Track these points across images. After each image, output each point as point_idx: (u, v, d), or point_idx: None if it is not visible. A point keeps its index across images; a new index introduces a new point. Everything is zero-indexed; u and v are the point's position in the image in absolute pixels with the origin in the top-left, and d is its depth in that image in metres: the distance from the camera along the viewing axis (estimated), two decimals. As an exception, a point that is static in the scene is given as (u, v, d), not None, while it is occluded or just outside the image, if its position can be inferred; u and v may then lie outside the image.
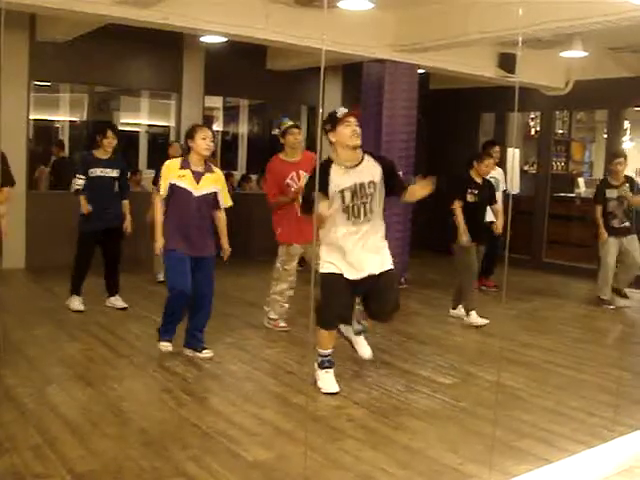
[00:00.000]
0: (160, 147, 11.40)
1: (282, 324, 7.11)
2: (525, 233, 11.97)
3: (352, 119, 5.08)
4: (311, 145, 12.46)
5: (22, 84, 9.44)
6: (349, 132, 5.05)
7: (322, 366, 5.34)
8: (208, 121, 12.04)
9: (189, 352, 6.08)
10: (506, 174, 10.27)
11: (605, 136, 12.15)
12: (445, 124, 12.63)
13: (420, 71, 10.03)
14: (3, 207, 6.04)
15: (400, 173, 8.89)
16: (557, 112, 12.70)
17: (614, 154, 9.33)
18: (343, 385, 5.44)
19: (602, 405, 5.37)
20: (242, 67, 10.97)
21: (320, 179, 5.00)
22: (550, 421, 4.91)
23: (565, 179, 13.78)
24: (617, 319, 8.76)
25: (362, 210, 5.15)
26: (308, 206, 5.24)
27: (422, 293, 9.27)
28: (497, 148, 9.30)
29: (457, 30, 8.37)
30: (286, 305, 7.09)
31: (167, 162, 5.92)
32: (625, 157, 8.99)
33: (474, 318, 7.52)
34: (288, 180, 6.85)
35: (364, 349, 5.75)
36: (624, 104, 10.84)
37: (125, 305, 7.63)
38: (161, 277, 8.66)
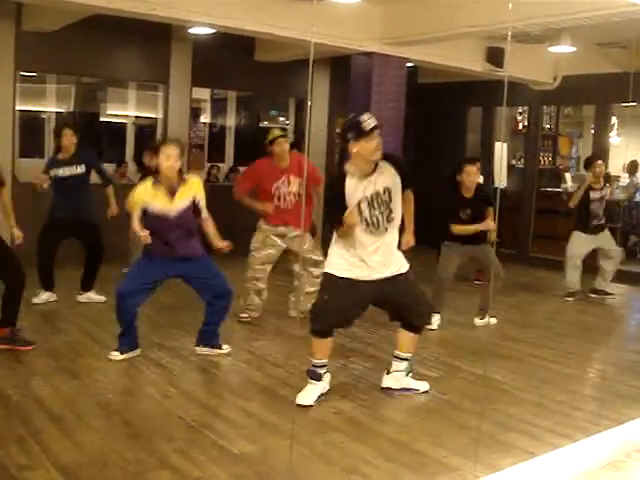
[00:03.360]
0: (147, 139, 11.36)
1: (243, 315, 7.08)
2: (512, 227, 12.01)
3: (377, 131, 4.79)
4: (300, 137, 12.48)
5: (8, 74, 9.37)
6: (374, 146, 4.75)
7: (310, 375, 4.99)
8: (196, 113, 12.01)
9: (205, 350, 5.97)
10: (493, 169, 10.30)
11: (592, 131, 12.18)
12: (433, 118, 12.64)
13: (408, 64, 10.02)
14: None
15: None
16: (545, 107, 12.72)
17: (594, 156, 9.46)
18: (330, 378, 5.44)
19: (587, 399, 5.40)
20: (230, 59, 10.93)
21: (336, 198, 4.83)
22: (535, 415, 4.92)
23: (552, 174, 13.82)
24: (602, 313, 8.81)
25: (380, 220, 4.87)
26: (340, 225, 4.79)
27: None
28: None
29: (446, 24, 8.37)
30: (255, 297, 7.02)
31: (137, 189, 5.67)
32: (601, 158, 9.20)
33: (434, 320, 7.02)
34: (278, 183, 6.87)
35: (423, 384, 5.35)
36: (611, 100, 10.88)
37: (103, 298, 7.51)
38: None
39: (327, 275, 4.96)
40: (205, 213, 5.74)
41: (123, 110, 11.37)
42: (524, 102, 12.48)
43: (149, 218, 5.51)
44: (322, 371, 5.00)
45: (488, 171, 11.46)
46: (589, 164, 9.07)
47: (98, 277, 7.69)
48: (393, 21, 9.02)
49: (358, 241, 4.84)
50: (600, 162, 9.02)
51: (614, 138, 12.84)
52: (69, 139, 7.30)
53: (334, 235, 4.93)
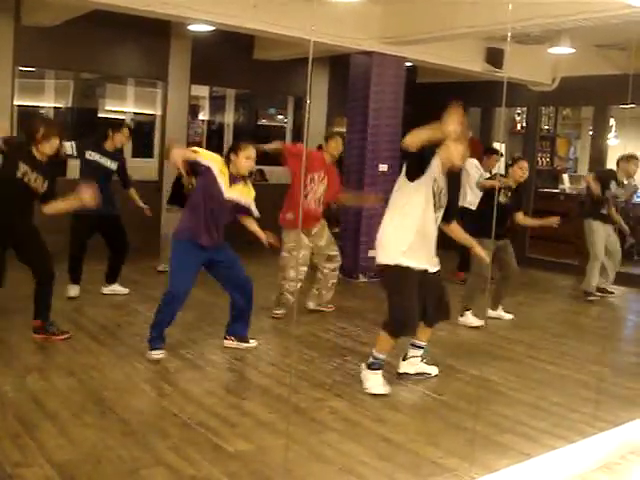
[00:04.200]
0: (146, 135, 11.34)
1: (276, 311, 7.21)
2: (509, 228, 11.98)
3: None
4: (297, 136, 12.48)
5: (6, 69, 9.36)
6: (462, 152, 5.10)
7: (372, 367, 5.20)
8: (194, 110, 11.99)
9: (232, 343, 6.09)
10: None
11: (590, 133, 12.18)
12: (431, 118, 12.59)
13: (407, 64, 10.02)
14: None
15: (386, 167, 8.96)
16: (543, 108, 12.73)
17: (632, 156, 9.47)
18: (325, 377, 5.45)
19: (583, 401, 5.40)
20: (229, 56, 10.93)
21: (425, 160, 5.01)
22: (531, 416, 4.93)
23: (550, 175, 13.83)
24: (599, 315, 8.81)
25: (440, 202, 5.10)
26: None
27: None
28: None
29: (445, 24, 8.36)
30: (289, 296, 7.16)
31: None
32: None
33: (468, 318, 7.43)
34: (314, 175, 7.12)
35: (433, 369, 5.71)
36: (610, 101, 10.87)
37: (127, 290, 7.82)
38: (161, 267, 8.91)
39: (395, 268, 5.05)
40: (256, 213, 5.99)
41: (121, 106, 11.34)
42: (523, 103, 12.48)
43: (207, 192, 5.67)
44: (382, 361, 5.24)
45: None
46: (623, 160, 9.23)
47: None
48: (392, 20, 9.02)
49: (429, 220, 5.05)
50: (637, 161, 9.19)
51: (612, 140, 12.83)
52: (123, 138, 7.64)
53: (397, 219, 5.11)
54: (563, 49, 9.52)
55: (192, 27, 9.50)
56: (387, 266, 5.11)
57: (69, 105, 11.04)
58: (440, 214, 5.15)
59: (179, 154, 5.60)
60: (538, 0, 6.86)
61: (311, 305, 7.57)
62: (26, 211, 5.89)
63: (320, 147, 7.60)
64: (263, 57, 11.17)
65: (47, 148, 5.77)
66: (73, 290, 7.49)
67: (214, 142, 12.33)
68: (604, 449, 4.38)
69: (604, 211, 9.09)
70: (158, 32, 10.11)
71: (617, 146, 13.28)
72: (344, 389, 5.23)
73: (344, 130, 10.26)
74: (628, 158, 9.22)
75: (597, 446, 4.38)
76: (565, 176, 13.63)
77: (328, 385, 5.28)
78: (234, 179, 5.76)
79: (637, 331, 8.50)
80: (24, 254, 5.91)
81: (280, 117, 13.45)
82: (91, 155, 7.43)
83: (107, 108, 11.51)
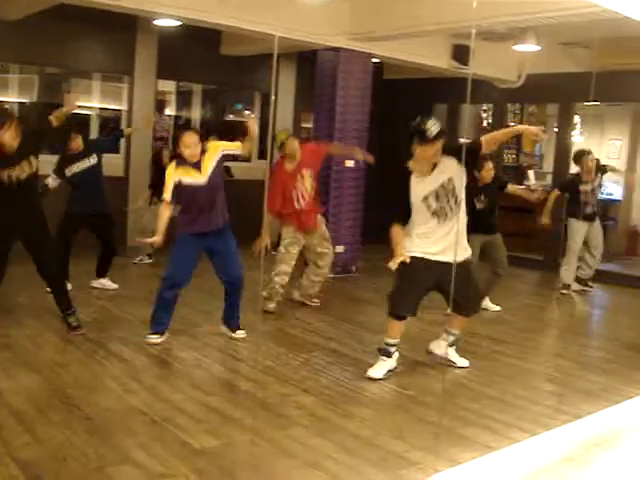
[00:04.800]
0: (111, 131, 11.25)
1: (270, 305, 7.32)
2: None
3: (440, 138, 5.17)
4: (264, 132, 12.44)
5: (-30, 64, 9.24)
6: (433, 152, 5.21)
7: (382, 352, 5.49)
8: (161, 105, 11.93)
9: (224, 329, 6.35)
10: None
11: (556, 130, 12.30)
12: (398, 114, 12.65)
13: (374, 61, 10.05)
14: None
15: (352, 163, 8.98)
16: (509, 105, 12.83)
17: (586, 152, 9.66)
18: (292, 373, 5.46)
19: (547, 394, 5.47)
20: (196, 51, 10.88)
21: (401, 195, 5.30)
22: (496, 410, 4.98)
23: (516, 171, 13.95)
24: (564, 310, 8.92)
25: (448, 209, 5.26)
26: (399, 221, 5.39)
27: (373, 282, 9.29)
28: None
29: (412, 20, 8.40)
30: (280, 290, 7.33)
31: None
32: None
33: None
34: (296, 184, 7.26)
35: (461, 361, 5.94)
36: (574, 99, 10.98)
37: (116, 286, 7.91)
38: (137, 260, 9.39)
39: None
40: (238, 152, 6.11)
41: (87, 101, 11.24)
42: (489, 100, 12.58)
43: (184, 191, 5.81)
44: (393, 349, 5.48)
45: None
46: (579, 159, 9.41)
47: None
48: (359, 17, 9.04)
49: (432, 234, 5.30)
50: (591, 157, 9.39)
51: (577, 137, 12.97)
52: (76, 142, 7.51)
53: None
54: (528, 47, 9.61)
55: (158, 22, 9.44)
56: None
57: (34, 100, 10.92)
58: (454, 197, 5.27)
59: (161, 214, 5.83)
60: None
61: (296, 295, 7.78)
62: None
63: (282, 156, 7.47)
64: (230, 52, 11.14)
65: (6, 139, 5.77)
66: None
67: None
68: (567, 441, 4.44)
69: (587, 210, 9.24)
70: (124, 27, 10.04)
71: (582, 143, 13.44)
72: (311, 384, 5.25)
73: (310, 126, 10.28)
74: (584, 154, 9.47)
75: (560, 438, 4.45)
76: (531, 172, 13.76)
77: (295, 381, 5.29)
78: (194, 164, 5.83)
79: (600, 326, 8.62)
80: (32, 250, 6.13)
81: (247, 112, 13.42)
82: (71, 171, 7.43)
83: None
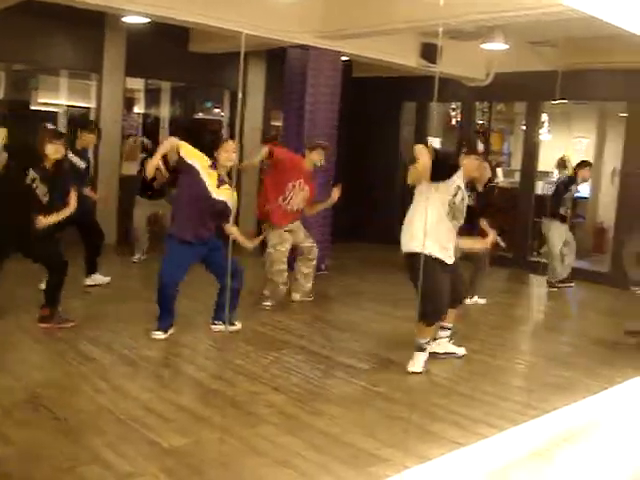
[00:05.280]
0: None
1: (267, 303, 7.53)
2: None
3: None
4: (234, 130, 12.41)
5: None
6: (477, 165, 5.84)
7: (420, 349, 5.69)
8: (129, 103, 11.84)
9: (218, 327, 6.41)
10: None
11: (523, 128, 12.39)
12: (368, 112, 12.70)
13: (344, 58, 10.05)
14: None
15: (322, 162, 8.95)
16: (477, 103, 12.91)
17: (584, 163, 9.92)
18: (262, 371, 5.46)
19: (516, 390, 5.52)
20: (164, 49, 10.80)
21: (450, 169, 5.53)
22: (465, 406, 5.01)
23: (484, 169, 14.00)
24: (532, 306, 9.00)
25: (459, 216, 5.63)
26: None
27: (342, 280, 9.31)
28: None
29: (381, 18, 8.40)
30: (284, 288, 7.59)
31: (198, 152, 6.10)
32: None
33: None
34: (295, 182, 7.52)
35: (460, 350, 6.23)
36: (541, 97, 11.06)
37: (109, 279, 7.95)
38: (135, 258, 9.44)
39: (426, 261, 5.21)
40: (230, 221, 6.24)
41: (55, 99, 11.14)
42: (457, 98, 12.64)
43: (194, 185, 5.96)
44: (425, 342, 5.72)
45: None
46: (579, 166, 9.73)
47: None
48: (329, 14, 9.03)
49: (445, 228, 5.53)
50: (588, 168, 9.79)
51: (544, 135, 13.08)
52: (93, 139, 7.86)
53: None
54: (496, 45, 9.65)
55: (126, 19, 9.37)
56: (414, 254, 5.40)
57: (0, 97, 10.80)
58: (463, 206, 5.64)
59: (158, 153, 6.07)
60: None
61: (296, 296, 7.89)
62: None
63: (303, 155, 7.79)
64: (199, 50, 11.08)
65: None
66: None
67: (150, 135, 12.20)
68: (536, 436, 4.48)
69: (562, 211, 9.52)
70: (92, 23, 9.95)
71: (549, 141, 13.57)
72: (281, 382, 5.24)
73: (280, 124, 10.27)
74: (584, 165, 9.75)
75: (529, 433, 4.49)
76: (499, 170, 13.85)
77: (265, 379, 5.29)
78: (221, 180, 6.02)
79: (568, 321, 8.70)
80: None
81: (217, 110, 13.37)
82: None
83: (40, 100, 11.30)
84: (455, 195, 5.54)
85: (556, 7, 6.46)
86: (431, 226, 5.34)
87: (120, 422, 4.33)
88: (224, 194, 6.04)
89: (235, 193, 6.35)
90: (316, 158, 7.66)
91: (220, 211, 6.07)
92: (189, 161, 5.95)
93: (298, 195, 7.55)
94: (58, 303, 6.32)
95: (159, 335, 6.09)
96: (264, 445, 4.12)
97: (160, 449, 3.98)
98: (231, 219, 6.19)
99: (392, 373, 5.70)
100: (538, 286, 10.13)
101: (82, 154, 7.73)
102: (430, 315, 5.55)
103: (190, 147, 6.05)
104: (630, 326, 7.22)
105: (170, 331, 6.17)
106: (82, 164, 7.71)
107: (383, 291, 8.88)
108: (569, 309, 9.49)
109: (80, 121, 9.07)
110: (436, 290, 5.46)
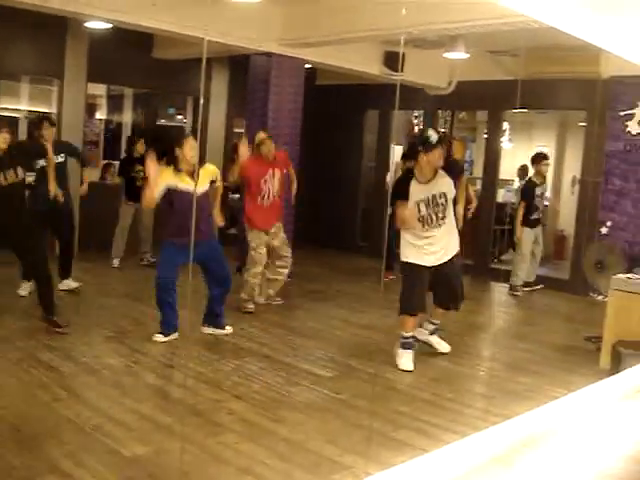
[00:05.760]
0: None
1: (250, 306, 7.64)
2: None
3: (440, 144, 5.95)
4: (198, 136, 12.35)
5: None
6: (437, 156, 5.89)
7: (405, 347, 6.03)
8: (91, 109, 11.75)
9: (209, 330, 6.65)
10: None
11: (485, 136, 12.50)
12: (331, 120, 12.73)
13: (307, 66, 10.07)
14: None
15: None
16: (440, 111, 13.00)
17: (542, 155, 10.17)
18: (224, 379, 5.44)
19: (477, 396, 5.57)
20: (127, 54, 10.72)
21: (403, 190, 5.94)
22: (427, 412, 5.03)
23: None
24: (493, 314, 9.07)
25: (434, 218, 5.96)
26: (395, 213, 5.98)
27: (305, 287, 9.31)
28: None
29: (344, 26, 8.44)
30: (256, 290, 7.75)
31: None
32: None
33: None
34: (266, 177, 7.63)
35: (443, 346, 6.57)
36: (502, 106, 11.17)
37: (78, 284, 7.97)
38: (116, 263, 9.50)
39: (403, 264, 6.09)
40: (219, 183, 6.64)
41: (15, 104, 11.03)
42: (420, 106, 12.73)
43: (177, 198, 6.15)
44: (412, 340, 6.13)
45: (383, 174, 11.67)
46: (535, 162, 9.93)
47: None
48: (292, 22, 9.04)
49: (416, 234, 5.97)
50: (546, 161, 10.02)
51: (505, 143, 13.21)
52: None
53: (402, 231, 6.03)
54: (458, 54, 9.74)
55: (89, 24, 9.30)
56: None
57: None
58: (442, 211, 5.99)
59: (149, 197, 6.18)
60: (434, 6, 7.01)
61: (261, 300, 7.95)
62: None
63: (256, 156, 7.78)
64: (162, 56, 11.03)
65: None
66: (24, 289, 7.52)
67: (112, 142, 12.11)
68: (497, 442, 4.51)
69: (534, 216, 9.73)
70: (54, 29, 9.84)
71: (511, 149, 13.71)
72: (243, 390, 5.22)
73: (243, 131, 10.25)
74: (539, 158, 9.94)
75: (490, 439, 4.51)
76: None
77: (226, 386, 5.27)
78: (190, 173, 6.20)
79: (529, 328, 8.76)
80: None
81: (179, 117, 13.31)
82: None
83: (0, 106, 11.17)
84: (420, 208, 5.93)
85: (516, 17, 6.52)
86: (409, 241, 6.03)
87: (80, 431, 4.29)
88: (202, 182, 6.32)
89: (210, 167, 6.56)
90: (264, 150, 7.67)
91: (205, 199, 6.38)
92: (162, 187, 6.11)
93: (275, 185, 7.68)
94: (55, 308, 6.45)
95: (159, 338, 6.28)
96: (226, 453, 4.11)
97: (121, 458, 3.94)
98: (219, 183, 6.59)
99: (354, 380, 5.71)
100: (499, 293, 10.21)
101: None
102: (405, 306, 6.03)
103: (159, 169, 6.12)
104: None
105: (171, 336, 6.34)
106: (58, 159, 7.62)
107: (347, 298, 8.90)
108: (530, 316, 9.57)
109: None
110: (407, 286, 6.05)
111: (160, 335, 6.29)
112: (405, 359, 6.01)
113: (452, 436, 4.54)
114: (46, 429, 4.32)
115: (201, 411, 4.73)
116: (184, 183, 6.17)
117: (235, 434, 4.40)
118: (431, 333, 6.54)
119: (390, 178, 10.10)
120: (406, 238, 6.03)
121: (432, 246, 6.00)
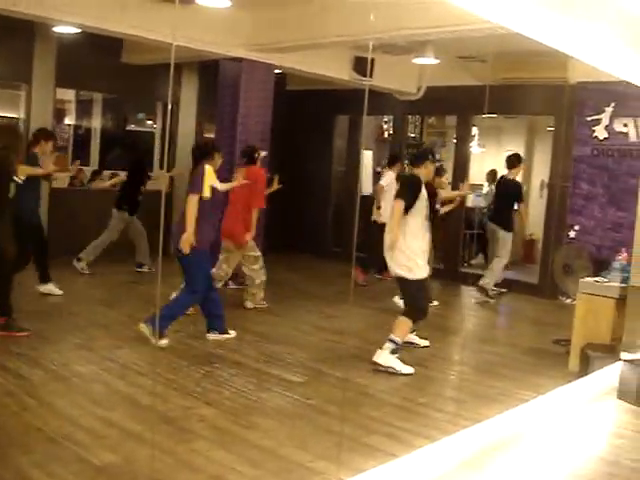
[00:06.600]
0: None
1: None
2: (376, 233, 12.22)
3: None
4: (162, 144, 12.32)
5: None
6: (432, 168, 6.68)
7: (395, 352, 6.17)
8: (60, 114, 11.66)
9: (214, 336, 6.76)
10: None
11: (455, 141, 12.57)
12: (301, 125, 12.74)
13: (277, 71, 10.07)
14: None
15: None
16: (409, 116, 13.07)
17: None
18: (194, 385, 5.41)
19: (447, 400, 5.59)
20: (96, 59, 10.63)
21: (416, 191, 6.27)
22: (398, 417, 5.05)
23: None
24: (462, 317, 9.12)
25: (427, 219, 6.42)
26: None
27: (275, 292, 9.27)
28: None
29: (314, 32, 8.46)
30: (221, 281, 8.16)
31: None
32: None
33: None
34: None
35: (421, 341, 7.13)
36: (471, 111, 11.26)
37: (61, 292, 8.03)
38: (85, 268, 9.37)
39: (416, 281, 6.25)
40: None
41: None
42: (389, 111, 12.78)
43: (214, 198, 6.50)
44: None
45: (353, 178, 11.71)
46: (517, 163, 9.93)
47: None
48: (262, 27, 9.04)
49: (422, 236, 6.34)
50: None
51: (475, 148, 13.29)
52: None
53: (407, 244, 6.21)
54: (427, 60, 9.79)
55: (57, 29, 9.22)
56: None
57: None
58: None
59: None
60: (403, 12, 7.05)
61: (249, 305, 8.25)
62: None
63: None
64: (132, 61, 10.96)
65: None
66: None
67: (81, 147, 12.03)
68: (467, 446, 4.53)
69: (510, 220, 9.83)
70: (21, 33, 9.75)
71: (480, 154, 13.80)
72: (213, 397, 5.20)
73: (213, 136, 10.23)
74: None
75: (460, 443, 4.54)
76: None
77: (197, 393, 5.24)
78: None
79: (498, 332, 8.85)
80: None
81: (149, 122, 13.26)
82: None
83: (-33, 111, 11.06)
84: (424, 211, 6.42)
85: (486, 23, 6.57)
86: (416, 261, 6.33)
87: (49, 440, 4.24)
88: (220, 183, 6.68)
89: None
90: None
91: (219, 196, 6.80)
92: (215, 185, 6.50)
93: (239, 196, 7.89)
94: (10, 310, 6.37)
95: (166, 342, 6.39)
96: (198, 460, 4.09)
97: (91, 466, 3.91)
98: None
99: (325, 386, 5.71)
100: (469, 297, 10.26)
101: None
102: (420, 315, 6.45)
103: (207, 174, 6.40)
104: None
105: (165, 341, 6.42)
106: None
107: (317, 303, 8.91)
108: (499, 319, 9.65)
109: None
110: (420, 297, 6.41)
111: (165, 340, 6.39)
112: (401, 364, 6.13)
113: (423, 441, 4.56)
114: (14, 438, 4.27)
115: (172, 418, 4.70)
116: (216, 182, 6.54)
117: (206, 441, 4.39)
118: (411, 332, 6.81)
119: (386, 182, 10.00)
120: (412, 258, 6.24)
121: (425, 255, 6.42)
